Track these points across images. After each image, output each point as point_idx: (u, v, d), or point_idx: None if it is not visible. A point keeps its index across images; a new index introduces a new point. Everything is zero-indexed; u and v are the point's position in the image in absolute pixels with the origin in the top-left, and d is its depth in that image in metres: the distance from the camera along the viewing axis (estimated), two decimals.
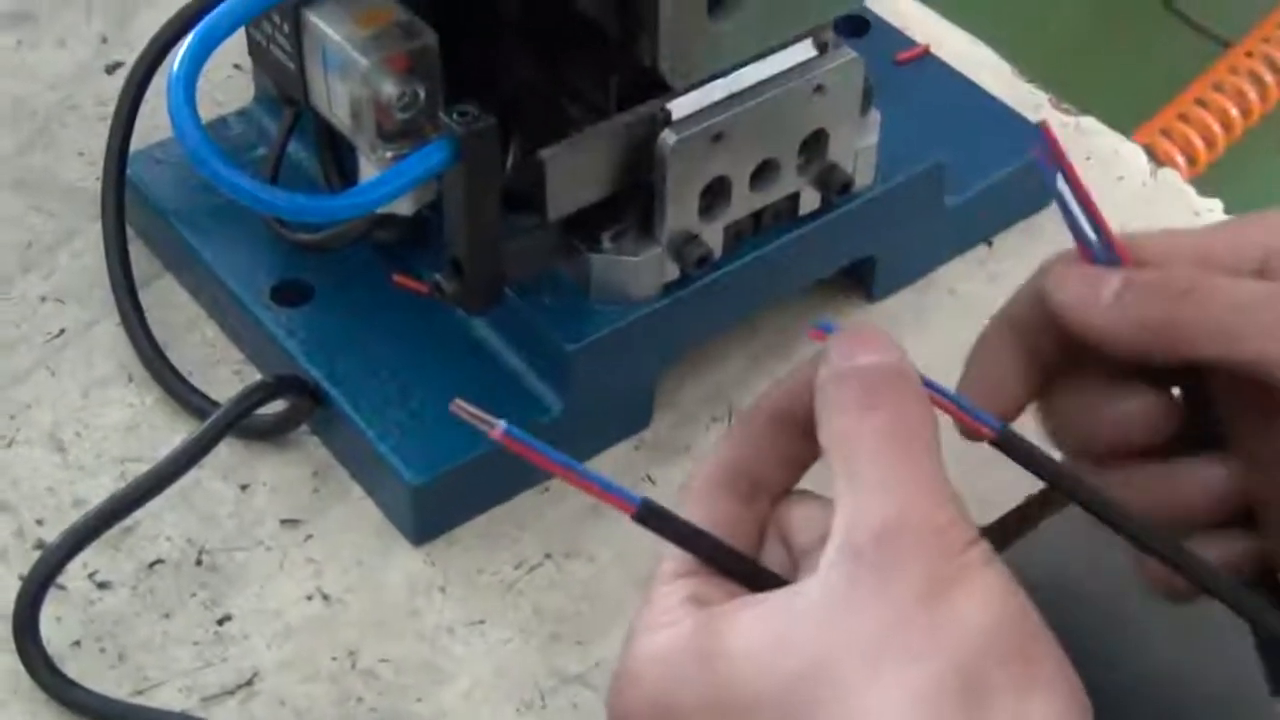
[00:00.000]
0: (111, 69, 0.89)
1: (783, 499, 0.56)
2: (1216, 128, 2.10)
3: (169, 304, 0.79)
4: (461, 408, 0.51)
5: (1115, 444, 0.59)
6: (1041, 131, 0.57)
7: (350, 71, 0.67)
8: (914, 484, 0.50)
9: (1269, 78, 2.15)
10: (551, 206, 0.68)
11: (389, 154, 0.68)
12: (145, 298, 0.78)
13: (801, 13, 0.68)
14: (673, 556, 0.54)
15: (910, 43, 0.85)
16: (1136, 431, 0.59)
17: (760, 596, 0.51)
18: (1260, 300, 0.57)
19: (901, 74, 0.83)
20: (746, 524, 0.55)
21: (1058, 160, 0.57)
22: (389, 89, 0.67)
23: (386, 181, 0.66)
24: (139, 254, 0.79)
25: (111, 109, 0.81)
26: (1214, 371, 0.58)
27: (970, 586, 0.49)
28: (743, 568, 0.54)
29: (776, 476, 0.56)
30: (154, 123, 0.80)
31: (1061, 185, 0.58)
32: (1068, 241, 0.82)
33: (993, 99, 0.83)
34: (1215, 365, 0.57)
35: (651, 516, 0.53)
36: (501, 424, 0.51)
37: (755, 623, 0.50)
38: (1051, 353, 0.60)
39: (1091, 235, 0.59)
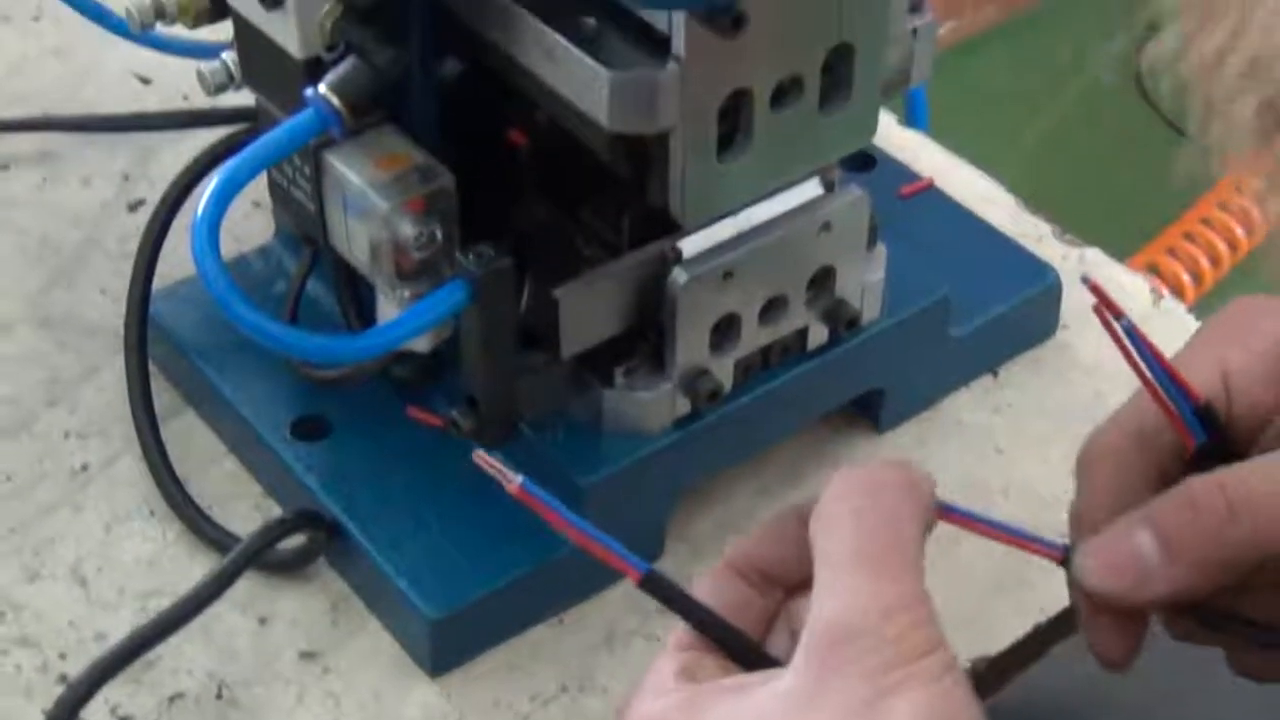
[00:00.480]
0: (134, 207, 0.91)
1: (797, 591, 0.57)
2: (1222, 246, 2.13)
3: (190, 439, 0.80)
4: (482, 458, 0.53)
5: None
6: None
7: (370, 214, 0.69)
8: (875, 592, 0.52)
9: None
10: (565, 344, 0.69)
11: (407, 293, 0.70)
12: (167, 432, 0.79)
13: (807, 154, 0.69)
14: (679, 629, 0.56)
15: (915, 176, 0.87)
16: None
17: (742, 680, 0.53)
18: None
19: (907, 207, 0.85)
20: (755, 609, 0.57)
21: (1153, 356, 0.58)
22: (407, 230, 0.69)
23: (405, 321, 0.67)
24: (161, 389, 0.81)
25: (133, 247, 0.83)
26: None
27: (912, 696, 0.50)
28: (738, 645, 0.56)
29: (793, 570, 0.57)
30: (175, 260, 0.82)
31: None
32: (1071, 371, 0.83)
33: (996, 231, 0.85)
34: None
35: (656, 585, 0.55)
36: (519, 478, 0.53)
37: (732, 706, 0.52)
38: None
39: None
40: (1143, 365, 0.58)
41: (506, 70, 0.68)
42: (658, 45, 0.63)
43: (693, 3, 0.61)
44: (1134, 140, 2.43)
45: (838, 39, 0.67)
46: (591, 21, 0.64)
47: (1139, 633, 0.59)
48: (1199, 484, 0.56)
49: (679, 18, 0.62)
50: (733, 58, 0.64)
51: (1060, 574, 0.71)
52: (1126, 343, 0.58)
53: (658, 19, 0.63)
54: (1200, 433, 0.59)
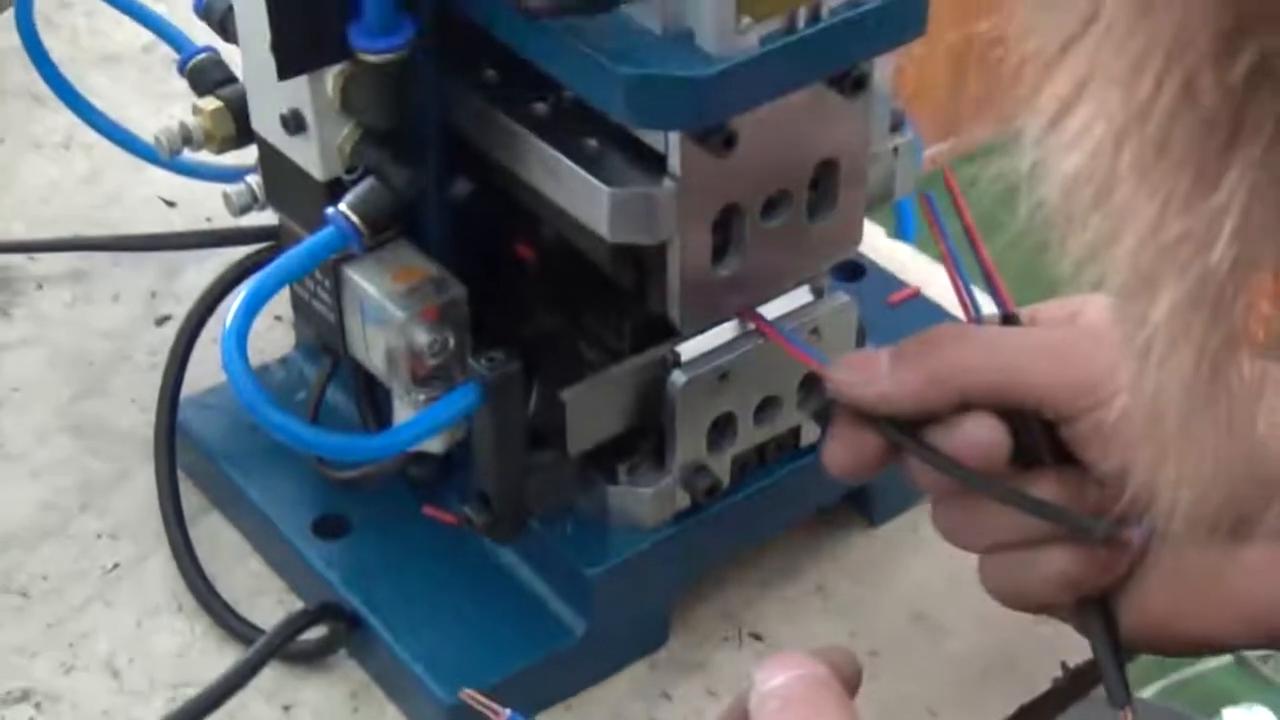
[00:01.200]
0: (161, 321, 0.96)
1: None
2: None
3: (216, 538, 0.85)
4: (471, 697, 0.58)
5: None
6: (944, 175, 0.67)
7: (387, 323, 0.73)
8: None
9: None
10: (572, 442, 0.74)
11: (422, 397, 0.74)
12: (194, 533, 0.83)
13: (796, 263, 0.74)
14: None
15: (903, 285, 0.92)
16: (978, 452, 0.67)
17: None
18: (1020, 341, 0.67)
19: (894, 314, 0.89)
20: None
21: (956, 205, 0.67)
22: (421, 338, 0.73)
23: (421, 422, 0.72)
24: (188, 492, 0.85)
25: (161, 359, 0.88)
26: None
27: None
28: None
29: None
30: (200, 371, 0.86)
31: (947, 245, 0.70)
32: None
33: None
34: (991, 404, 0.67)
35: None
36: (506, 712, 0.58)
37: None
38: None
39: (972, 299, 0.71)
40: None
41: (514, 188, 0.73)
42: (655, 163, 0.68)
43: (687, 124, 0.66)
44: None
45: (823, 155, 0.71)
46: (593, 142, 0.69)
47: (871, 452, 0.70)
48: (947, 322, 0.71)
49: (674, 138, 0.67)
50: (725, 174, 0.69)
51: (1048, 659, 0.76)
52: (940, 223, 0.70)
53: (654, 139, 0.68)
54: (977, 312, 0.71)
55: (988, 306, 0.73)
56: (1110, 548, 0.67)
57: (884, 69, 0.73)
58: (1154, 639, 0.69)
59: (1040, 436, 0.68)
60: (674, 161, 0.68)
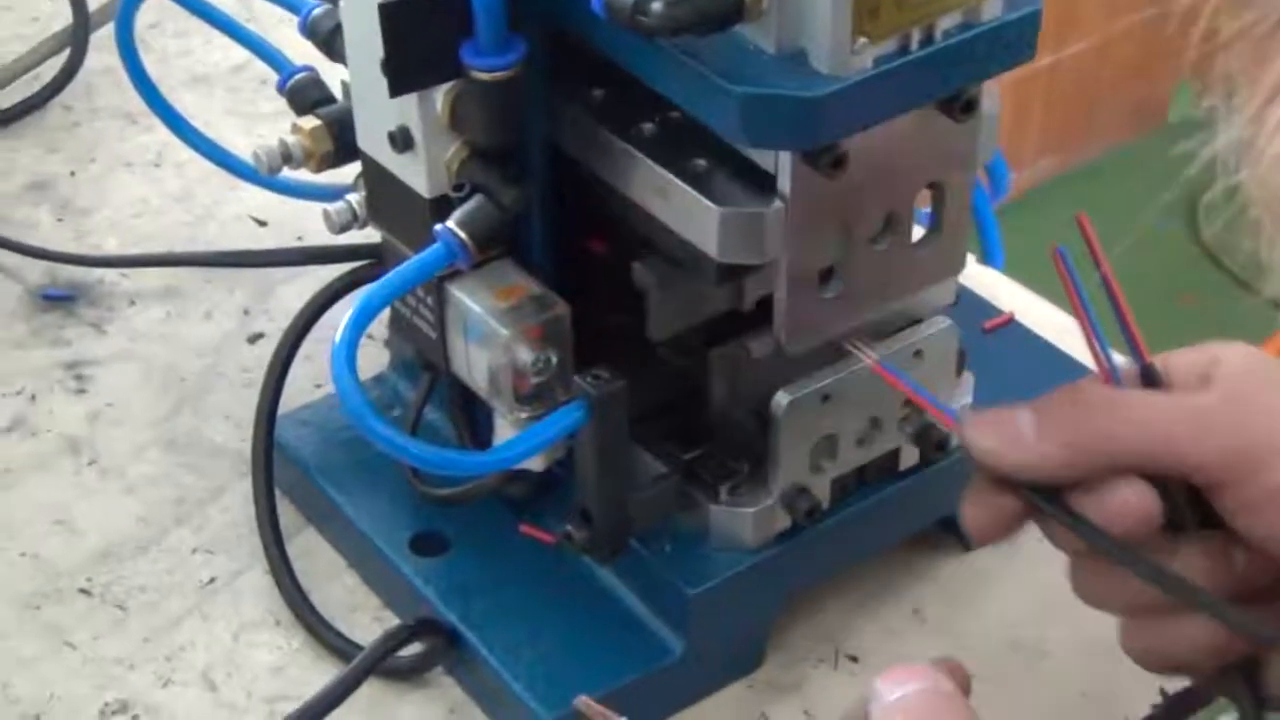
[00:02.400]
0: (254, 339, 0.97)
1: None
2: None
3: (312, 555, 0.85)
4: (586, 704, 0.58)
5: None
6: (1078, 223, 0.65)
7: (491, 341, 0.74)
8: None
9: None
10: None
11: (524, 415, 0.75)
12: (289, 549, 0.84)
13: (902, 285, 0.74)
14: None
15: (996, 311, 0.92)
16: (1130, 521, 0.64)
17: None
18: (1171, 411, 0.64)
19: (989, 340, 0.90)
20: None
21: (1095, 258, 0.65)
22: (525, 356, 0.74)
23: (527, 440, 0.72)
24: (283, 508, 0.86)
25: (253, 375, 0.89)
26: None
27: None
28: None
29: None
30: (292, 389, 0.87)
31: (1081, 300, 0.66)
32: None
33: (1075, 361, 0.89)
34: (1138, 472, 0.64)
35: None
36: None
37: None
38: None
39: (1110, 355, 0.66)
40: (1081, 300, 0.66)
41: (619, 207, 0.73)
42: (764, 183, 0.69)
43: (800, 143, 0.66)
44: (1189, 284, 2.48)
45: (930, 178, 0.72)
46: (701, 162, 0.70)
47: (1011, 514, 0.66)
48: (1088, 383, 0.65)
49: (785, 157, 0.68)
50: (834, 195, 0.69)
51: (1146, 685, 0.75)
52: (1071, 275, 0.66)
53: (764, 158, 0.69)
54: (1117, 376, 0.66)
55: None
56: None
57: (991, 93, 0.73)
58: None
59: (1187, 503, 0.65)
60: (784, 181, 0.68)
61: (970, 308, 0.91)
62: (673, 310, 0.74)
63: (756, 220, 0.68)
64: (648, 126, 0.72)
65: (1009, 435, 0.65)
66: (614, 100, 0.73)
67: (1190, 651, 0.66)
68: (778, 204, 0.68)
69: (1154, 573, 0.64)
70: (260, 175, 0.84)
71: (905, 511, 0.81)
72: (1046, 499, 0.65)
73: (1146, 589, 0.65)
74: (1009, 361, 0.88)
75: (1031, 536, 0.86)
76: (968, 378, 0.80)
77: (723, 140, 0.69)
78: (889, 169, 0.70)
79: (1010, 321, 0.91)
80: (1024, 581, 0.83)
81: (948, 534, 0.84)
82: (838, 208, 0.69)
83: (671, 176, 0.70)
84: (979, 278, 0.97)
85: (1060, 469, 0.64)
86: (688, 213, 0.69)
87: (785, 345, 0.72)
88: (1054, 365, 0.89)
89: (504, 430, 0.77)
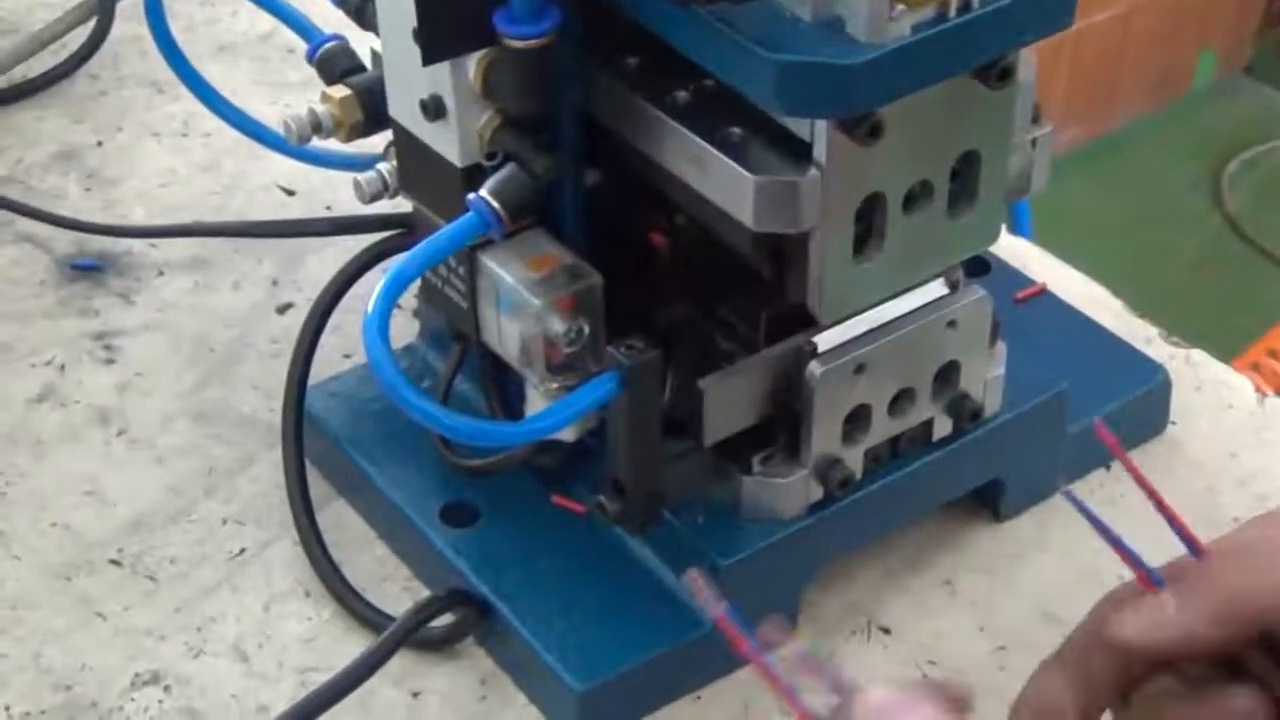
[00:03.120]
0: (282, 309, 0.97)
1: None
2: None
3: (342, 525, 0.85)
4: (695, 579, 0.57)
5: None
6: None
7: (523, 311, 0.73)
8: None
9: None
10: (708, 432, 0.74)
11: (555, 385, 0.74)
12: (320, 520, 0.84)
13: (936, 255, 0.74)
14: None
15: (1028, 281, 0.91)
16: None
17: None
18: None
19: (1021, 310, 0.89)
20: None
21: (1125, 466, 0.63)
22: (557, 326, 0.73)
23: (560, 410, 0.72)
24: (313, 479, 0.85)
25: (282, 346, 0.88)
26: None
27: None
28: None
29: None
30: (320, 360, 0.86)
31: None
32: (1181, 466, 0.86)
33: (1107, 332, 0.89)
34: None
35: None
36: (724, 605, 0.56)
37: None
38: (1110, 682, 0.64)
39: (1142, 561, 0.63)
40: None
41: (652, 175, 0.73)
42: (800, 151, 0.68)
43: (837, 111, 0.66)
44: (1212, 256, 2.47)
45: (965, 147, 0.71)
46: (737, 130, 0.69)
47: None
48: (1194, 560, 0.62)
49: (820, 126, 0.67)
50: (869, 163, 0.68)
51: None
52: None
53: (800, 127, 0.68)
54: (1156, 579, 0.63)
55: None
56: None
57: (1027, 60, 0.72)
58: None
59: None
60: (819, 150, 0.68)
61: (1002, 278, 0.91)
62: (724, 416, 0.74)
63: (792, 189, 0.68)
64: (682, 95, 0.71)
65: (1155, 617, 0.62)
66: (648, 68, 0.72)
67: None
68: (814, 172, 0.68)
69: None
70: (289, 145, 0.83)
71: (938, 482, 0.80)
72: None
73: None
74: (1041, 331, 0.87)
75: (1065, 508, 0.86)
76: (1001, 348, 0.80)
77: (758, 108, 0.69)
78: (925, 137, 0.69)
79: (1043, 292, 0.91)
80: (1056, 553, 0.83)
81: (979, 504, 0.84)
82: (873, 176, 0.69)
83: (706, 145, 0.69)
84: (1010, 248, 0.96)
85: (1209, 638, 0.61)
86: (723, 181, 0.69)
87: (821, 315, 0.72)
88: (1085, 336, 0.89)
89: (535, 401, 0.76)
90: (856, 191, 0.69)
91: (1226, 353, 2.16)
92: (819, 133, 0.67)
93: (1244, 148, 2.64)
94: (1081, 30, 2.47)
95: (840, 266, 0.70)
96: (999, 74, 0.69)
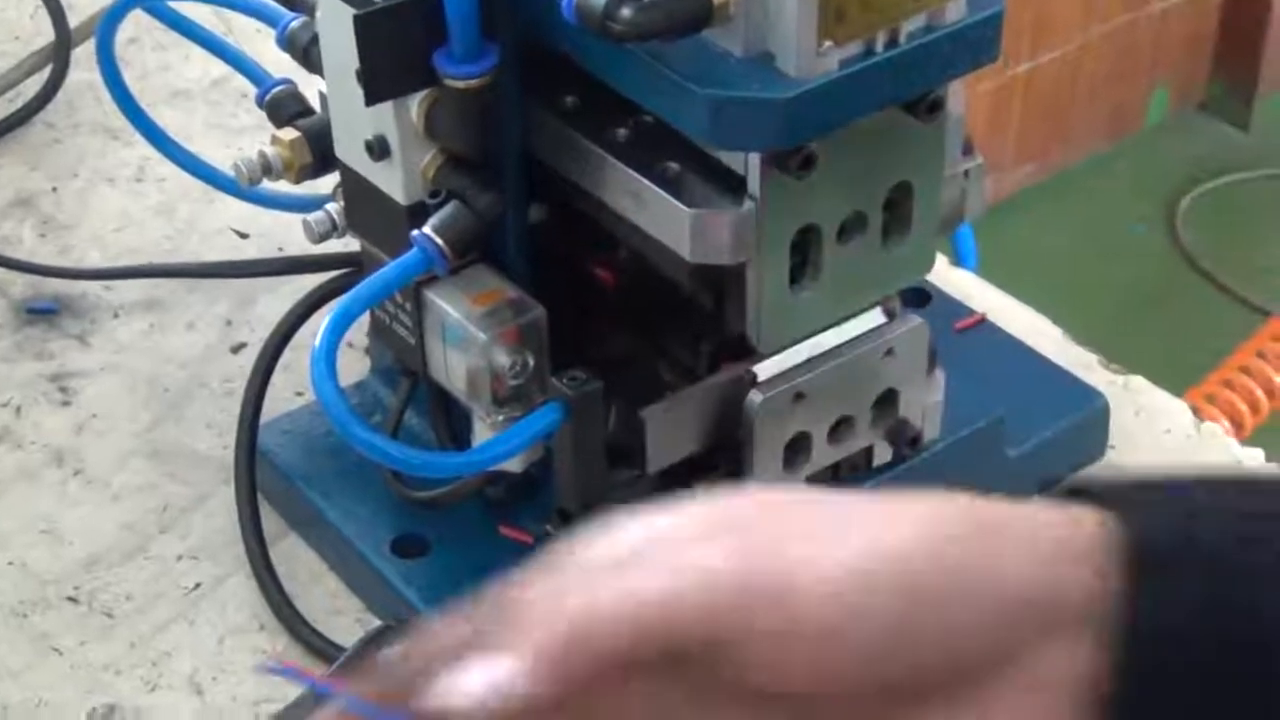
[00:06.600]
0: (236, 349, 0.98)
1: None
2: (1260, 393, 2.17)
3: (294, 559, 0.86)
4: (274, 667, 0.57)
5: None
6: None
7: (468, 345, 0.75)
8: None
9: None
10: (651, 460, 0.75)
11: (501, 417, 0.76)
12: (273, 554, 0.85)
13: (872, 284, 0.75)
14: None
15: (969, 312, 0.93)
16: None
17: None
18: None
19: (961, 340, 0.91)
20: None
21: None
22: (502, 359, 0.75)
23: (505, 441, 0.73)
24: (266, 514, 0.86)
25: (235, 385, 0.90)
26: None
27: None
28: None
29: None
30: (271, 398, 0.88)
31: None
32: None
33: (1045, 360, 0.91)
34: None
35: None
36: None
37: None
38: None
39: None
40: None
41: (593, 210, 0.74)
42: (734, 185, 0.70)
43: (768, 144, 0.68)
44: (1169, 289, 2.50)
45: (898, 178, 0.73)
46: (673, 165, 0.71)
47: None
48: None
49: (754, 159, 0.69)
50: (803, 196, 0.70)
51: None
52: None
53: (734, 160, 0.70)
54: None
55: None
56: None
57: (957, 94, 0.74)
58: None
59: None
60: (753, 183, 0.69)
61: (942, 309, 0.93)
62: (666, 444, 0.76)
63: (727, 222, 0.70)
64: (620, 131, 0.73)
65: None
66: (586, 106, 0.74)
67: None
68: (748, 205, 0.69)
69: None
70: (240, 187, 0.85)
71: None
72: None
73: None
74: (980, 360, 0.89)
75: None
76: (939, 375, 0.82)
77: (693, 144, 0.70)
78: (857, 169, 0.71)
79: (983, 322, 0.93)
80: None
81: None
82: (807, 208, 0.71)
83: (644, 180, 0.71)
84: (952, 280, 0.98)
85: None
86: (660, 215, 0.71)
87: (760, 345, 0.73)
88: (1024, 363, 0.90)
89: (483, 432, 0.78)
90: (791, 223, 0.71)
91: (1181, 385, 2.19)
92: (752, 166, 0.69)
93: (1198, 183, 2.67)
94: (1035, 68, 2.51)
95: (777, 297, 0.72)
96: (928, 107, 0.71)
